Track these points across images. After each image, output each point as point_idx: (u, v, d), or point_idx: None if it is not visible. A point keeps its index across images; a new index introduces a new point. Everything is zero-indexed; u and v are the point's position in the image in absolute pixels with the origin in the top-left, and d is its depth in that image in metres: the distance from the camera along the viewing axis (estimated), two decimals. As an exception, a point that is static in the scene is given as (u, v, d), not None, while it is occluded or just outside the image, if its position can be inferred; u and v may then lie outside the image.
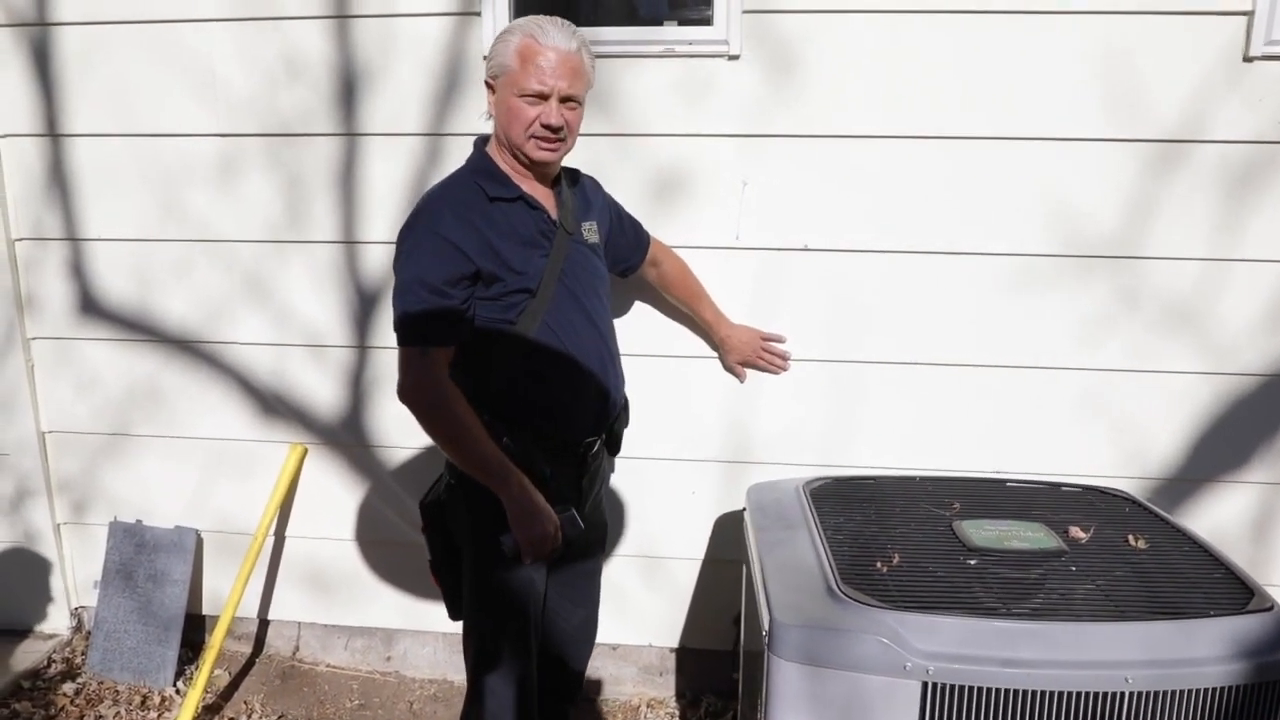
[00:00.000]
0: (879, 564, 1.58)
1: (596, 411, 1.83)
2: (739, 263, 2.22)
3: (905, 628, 1.37)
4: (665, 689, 2.52)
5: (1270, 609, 1.44)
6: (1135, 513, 1.85)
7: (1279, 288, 2.12)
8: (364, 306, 2.38)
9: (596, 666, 2.54)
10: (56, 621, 2.68)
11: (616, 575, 2.46)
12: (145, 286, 2.45)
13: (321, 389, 2.44)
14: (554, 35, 1.65)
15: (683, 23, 2.14)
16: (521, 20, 1.69)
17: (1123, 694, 1.33)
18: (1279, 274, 2.11)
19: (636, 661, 2.53)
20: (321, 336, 2.41)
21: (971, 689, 1.34)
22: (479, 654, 1.83)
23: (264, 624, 2.65)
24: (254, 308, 2.42)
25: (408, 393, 1.69)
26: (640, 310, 2.29)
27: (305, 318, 2.41)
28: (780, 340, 2.26)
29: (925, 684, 1.35)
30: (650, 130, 2.18)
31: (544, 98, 1.65)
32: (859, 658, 1.37)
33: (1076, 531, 1.71)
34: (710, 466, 2.35)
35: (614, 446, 1.96)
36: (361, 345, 2.40)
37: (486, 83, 1.72)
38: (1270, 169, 2.06)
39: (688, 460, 2.34)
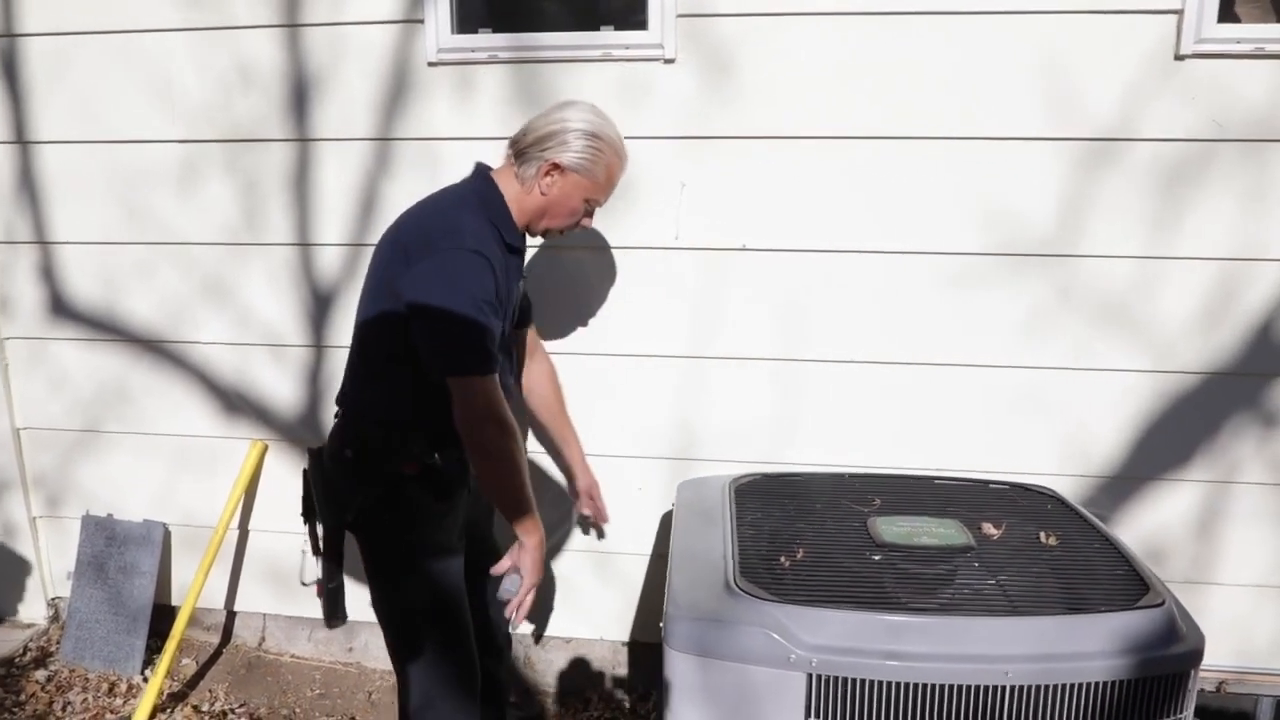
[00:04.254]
0: (783, 559, 1.61)
1: None
2: (678, 262, 2.25)
3: (792, 621, 1.41)
4: (616, 682, 2.56)
5: (1160, 605, 1.45)
6: (1056, 510, 1.87)
7: (1215, 285, 2.12)
8: (319, 307, 2.44)
9: (549, 659, 2.59)
10: (34, 611, 2.77)
11: (568, 570, 2.51)
12: (111, 288, 2.53)
13: (281, 387, 2.51)
14: (625, 157, 1.77)
15: (619, 27, 2.17)
16: (609, 130, 1.72)
17: (1003, 687, 1.36)
18: (1215, 272, 2.12)
19: (589, 655, 2.57)
20: (280, 336, 2.47)
21: (855, 681, 1.38)
22: (430, 655, 1.79)
23: (231, 615, 2.73)
24: (215, 309, 2.49)
25: (482, 425, 1.61)
26: (589, 309, 2.33)
27: (264, 318, 2.47)
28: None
29: (810, 676, 1.38)
30: (590, 133, 2.22)
31: (592, 211, 1.80)
32: (746, 650, 1.41)
33: (989, 528, 1.73)
34: (657, 463, 2.39)
35: None
36: (318, 345, 2.46)
37: (553, 163, 1.69)
38: (1203, 167, 2.07)
39: (635, 457, 2.38)
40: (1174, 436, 2.23)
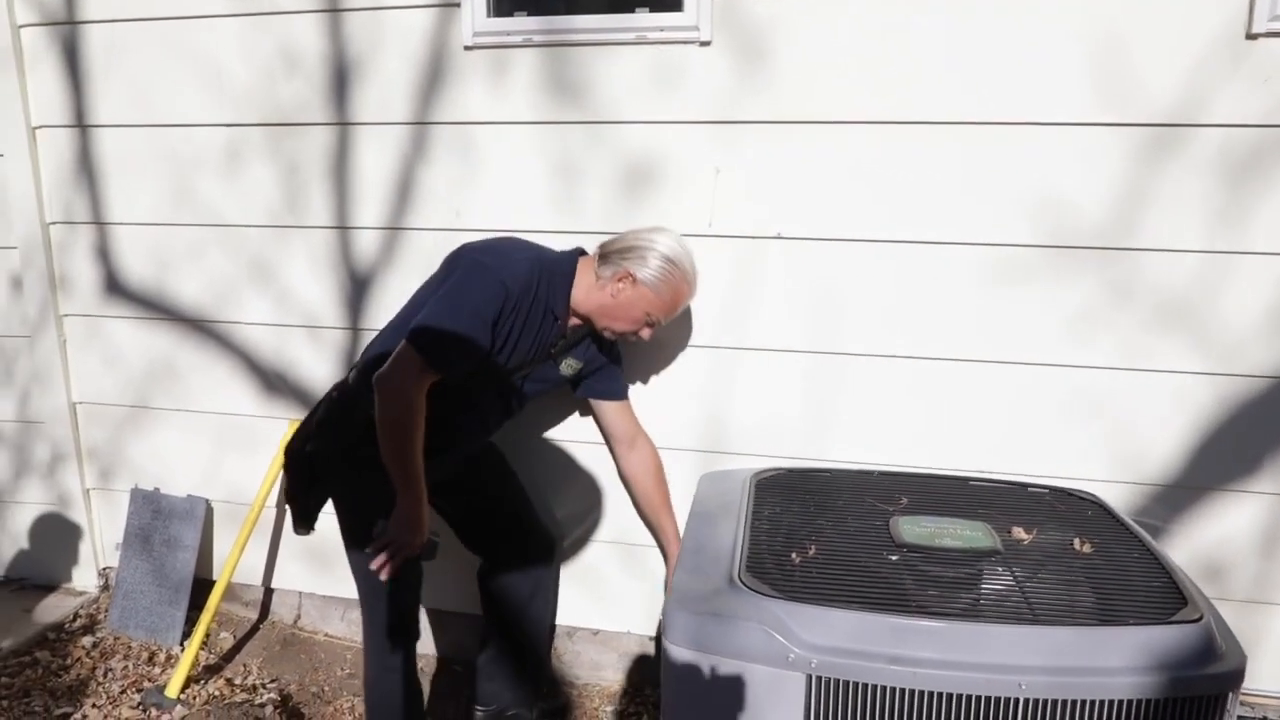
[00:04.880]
0: (794, 555, 1.55)
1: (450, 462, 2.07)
2: (712, 251, 2.20)
3: (793, 618, 1.35)
4: (644, 676, 2.52)
5: (1198, 620, 1.35)
6: (1097, 517, 1.76)
7: (1286, 283, 1.97)
8: (355, 289, 2.46)
9: (577, 651, 2.57)
10: (86, 579, 2.87)
11: (595, 561, 2.48)
12: (163, 268, 2.60)
13: (317, 368, 2.54)
14: (694, 288, 1.99)
15: (654, 9, 2.12)
16: (686, 262, 1.94)
17: (1016, 700, 1.28)
18: (1286, 268, 1.97)
19: (616, 648, 2.54)
20: (318, 318, 2.51)
21: (856, 685, 1.31)
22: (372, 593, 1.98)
23: (269, 592, 2.78)
24: (258, 290, 2.54)
25: (391, 392, 1.78)
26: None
27: (304, 300, 2.51)
28: None
29: (809, 677, 1.32)
30: (622, 117, 2.18)
31: (653, 325, 1.96)
32: (744, 647, 1.35)
33: (1019, 532, 1.64)
34: (685, 455, 2.34)
35: None
36: (354, 327, 2.49)
37: (630, 273, 1.89)
38: (1276, 154, 1.92)
39: (665, 449, 2.33)
40: (1236, 444, 2.08)
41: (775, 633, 1.34)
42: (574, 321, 2.00)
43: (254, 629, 2.74)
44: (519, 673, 2.30)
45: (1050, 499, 1.85)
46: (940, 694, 1.29)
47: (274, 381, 2.59)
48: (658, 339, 2.09)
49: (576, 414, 2.40)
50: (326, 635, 2.73)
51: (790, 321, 2.21)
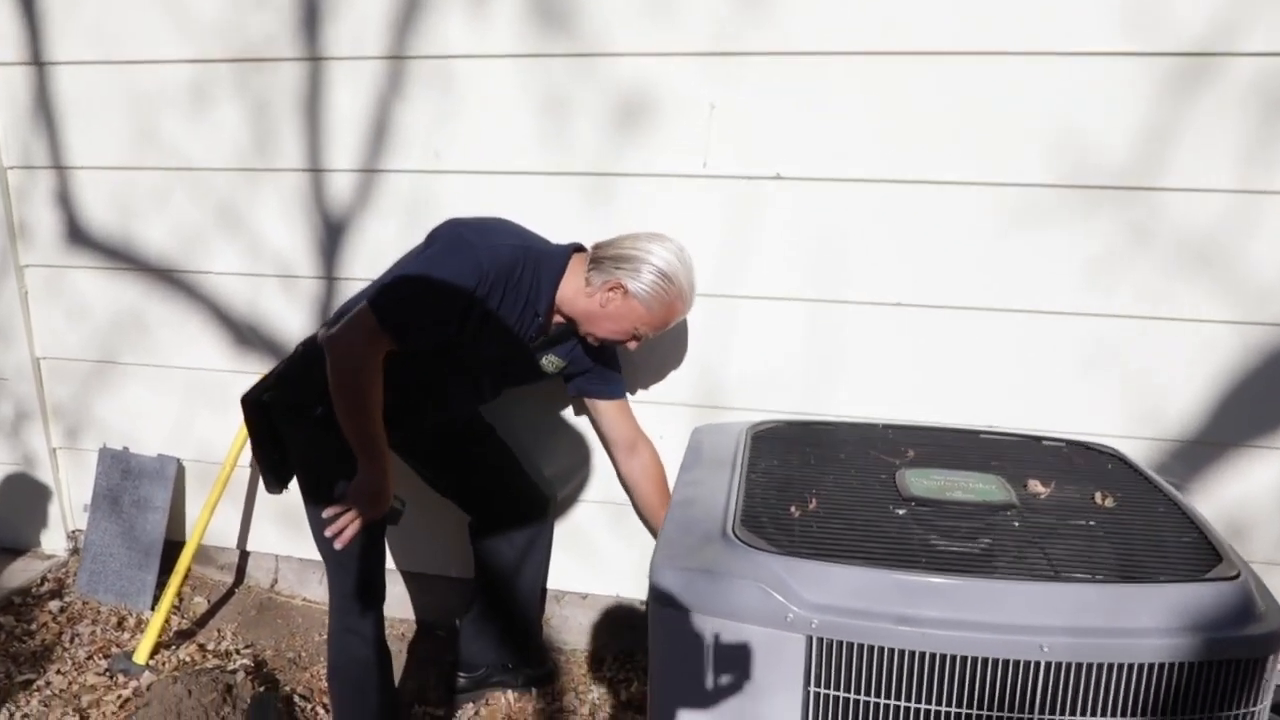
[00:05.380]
0: (793, 508, 1.43)
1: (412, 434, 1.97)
2: (707, 192, 2.06)
3: (792, 575, 1.23)
4: (633, 641, 2.42)
5: (1235, 578, 1.23)
6: (1118, 470, 1.64)
7: (1321, 224, 1.84)
8: (330, 237, 2.32)
9: (564, 615, 2.47)
10: (55, 543, 2.76)
11: (583, 522, 2.37)
12: (127, 215, 2.46)
13: (292, 319, 2.41)
14: (689, 306, 1.85)
15: (645, -72, 1.98)
16: (683, 278, 1.79)
17: (1038, 663, 1.17)
18: (1322, 208, 1.84)
19: (605, 612, 2.44)
20: (291, 267, 2.37)
21: (861, 647, 1.20)
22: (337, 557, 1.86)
23: (244, 555, 2.67)
24: (228, 237, 2.40)
25: (340, 352, 1.67)
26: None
27: (276, 248, 2.37)
28: None
29: (810, 638, 1.21)
30: (611, 49, 2.03)
31: (639, 339, 1.83)
32: (739, 606, 1.24)
33: (1036, 485, 1.52)
34: (680, 410, 2.22)
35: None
36: (329, 276, 2.35)
37: (621, 284, 1.75)
38: (1314, 84, 1.79)
39: (655, 403, 2.22)
40: (1263, 398, 1.96)
41: (773, 590, 1.22)
42: (557, 319, 1.87)
43: (229, 593, 2.64)
44: (506, 634, 2.20)
45: (1067, 452, 1.73)
46: (953, 657, 1.17)
47: (246, 335, 2.46)
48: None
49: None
50: (304, 599, 2.62)
51: (790, 268, 2.08)
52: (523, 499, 2.17)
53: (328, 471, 1.82)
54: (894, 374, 2.09)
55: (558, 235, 1.95)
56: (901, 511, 1.42)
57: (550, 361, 1.96)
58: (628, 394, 2.13)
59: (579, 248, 1.87)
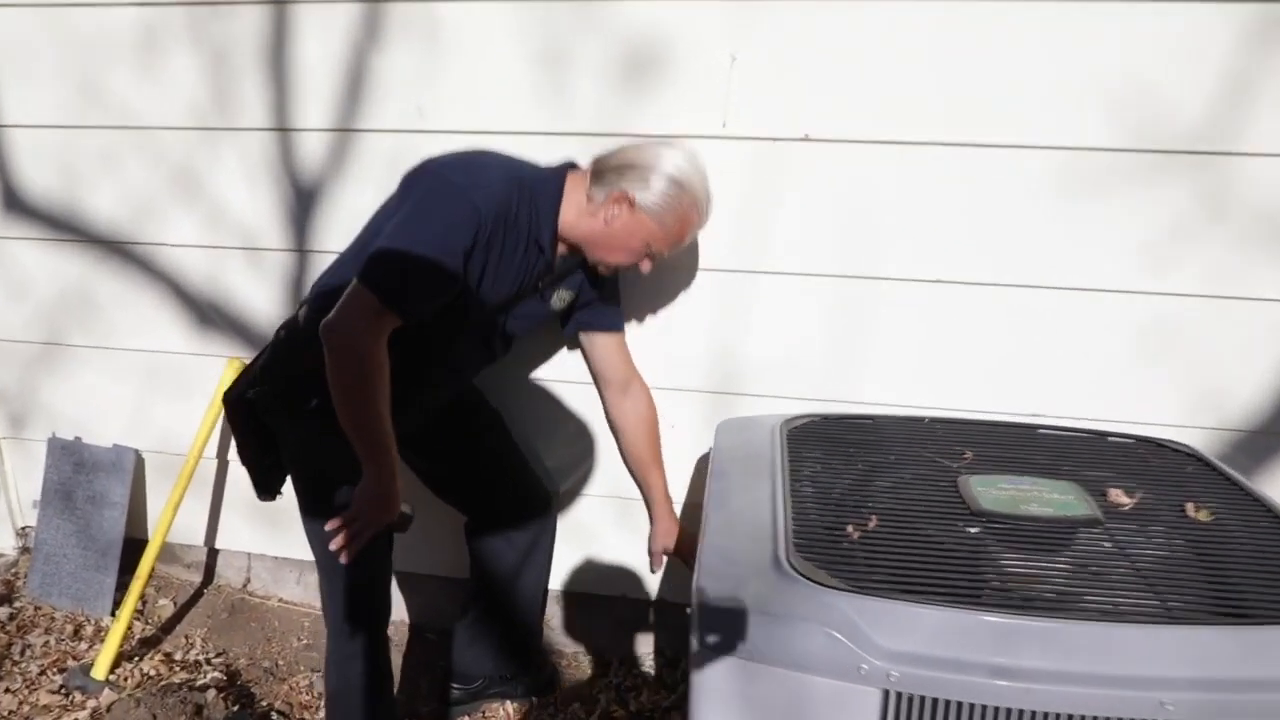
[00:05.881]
0: (851, 528, 1.24)
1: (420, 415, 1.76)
2: (726, 156, 1.84)
3: (864, 618, 1.04)
4: (641, 645, 2.24)
5: (1379, 614, 1.06)
6: (1200, 473, 1.46)
7: None
8: (301, 204, 2.08)
9: (566, 618, 2.28)
10: (2, 541, 2.52)
11: (586, 518, 2.18)
12: (71, 180, 2.19)
13: (259, 296, 2.17)
14: (706, 219, 1.65)
15: None
16: (697, 185, 1.60)
17: (1157, 722, 0.99)
18: None
19: (609, 614, 2.25)
20: (257, 238, 2.13)
21: (950, 704, 1.01)
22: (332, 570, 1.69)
23: (213, 553, 2.46)
24: (185, 205, 2.14)
25: (343, 345, 1.45)
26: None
27: (239, 217, 2.12)
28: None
29: (887, 693, 1.02)
30: (620, -10, 1.80)
31: (654, 258, 1.63)
32: (802, 654, 1.05)
33: (1118, 495, 1.34)
34: (693, 397, 2.02)
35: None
36: (300, 249, 2.11)
37: (626, 196, 1.56)
38: None
39: (667, 389, 2.01)
40: (1338, 384, 1.79)
41: (842, 636, 1.03)
42: (562, 250, 1.66)
43: (197, 594, 2.42)
44: (505, 642, 2.02)
45: (1140, 451, 1.55)
46: (1058, 716, 0.99)
47: (208, 313, 2.22)
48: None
49: (564, 349, 2.06)
50: (281, 601, 2.41)
51: (818, 240, 1.87)
52: (527, 495, 1.97)
53: (328, 476, 1.62)
54: (931, 358, 1.90)
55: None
56: (975, 530, 1.24)
57: (560, 298, 1.75)
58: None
59: (573, 165, 1.67)
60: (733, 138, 1.83)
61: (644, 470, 1.93)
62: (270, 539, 2.35)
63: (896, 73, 1.75)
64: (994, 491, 1.32)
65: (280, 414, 1.66)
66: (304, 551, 2.32)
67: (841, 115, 1.79)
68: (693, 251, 1.91)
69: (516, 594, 1.99)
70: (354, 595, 1.69)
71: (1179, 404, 1.85)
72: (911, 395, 1.92)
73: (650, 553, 1.97)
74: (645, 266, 1.65)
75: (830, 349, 1.94)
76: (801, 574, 1.11)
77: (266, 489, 1.77)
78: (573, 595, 2.25)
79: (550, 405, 2.10)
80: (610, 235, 1.59)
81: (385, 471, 1.51)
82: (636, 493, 2.09)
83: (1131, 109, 1.70)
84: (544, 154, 1.88)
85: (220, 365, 2.21)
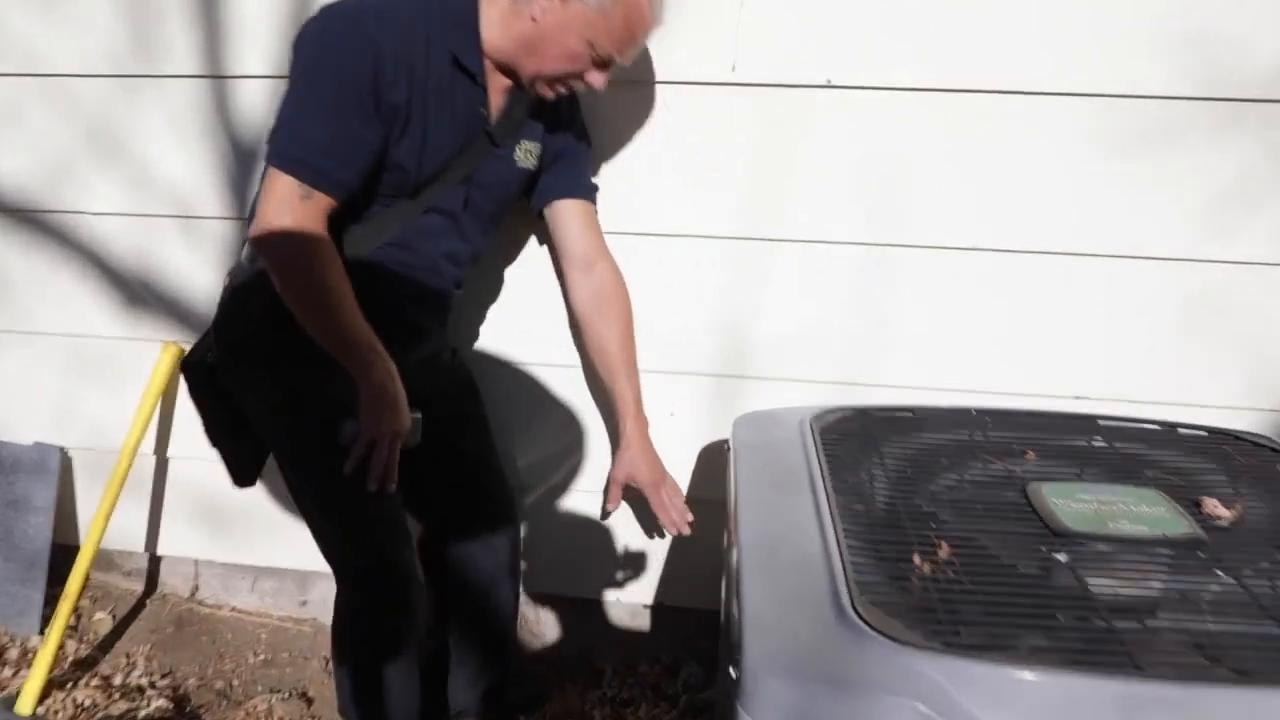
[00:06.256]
0: (917, 558, 1.03)
1: (408, 335, 1.51)
2: (735, 105, 1.60)
3: (960, 685, 0.83)
4: (637, 652, 2.05)
5: None
6: (1292, 472, 1.28)
7: None
8: (241, 165, 1.80)
9: (554, 625, 2.07)
10: (-88, 550, 2.24)
11: (575, 515, 1.96)
12: (-32, 137, 1.89)
13: (197, 271, 1.90)
14: (658, 14, 1.38)
15: None
16: None
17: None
18: None
19: (603, 619, 2.05)
20: (191, 204, 1.85)
21: (1067, 792, 0.82)
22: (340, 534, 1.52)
23: (155, 560, 2.20)
24: (105, 167, 1.85)
25: (274, 241, 1.28)
26: (608, 168, 1.69)
27: (169, 180, 1.84)
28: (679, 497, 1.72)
29: (991, 781, 0.82)
30: (612, -91, 1.53)
31: (605, 64, 1.36)
32: (882, 733, 0.84)
33: (1214, 506, 1.15)
34: (694, 381, 1.80)
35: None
36: (242, 216, 1.84)
37: None
38: None
39: (665, 372, 1.79)
40: None
41: (933, 711, 0.83)
42: (502, 83, 1.41)
43: (139, 605, 2.17)
44: (485, 666, 1.79)
45: (1217, 446, 1.36)
46: (1200, 803, 0.80)
47: (138, 291, 1.94)
48: (667, 229, 1.53)
49: (550, 323, 1.81)
50: (233, 609, 2.17)
51: (840, 202, 1.65)
52: (504, 496, 1.75)
53: (316, 424, 1.42)
54: (961, 334, 1.70)
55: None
56: (1063, 558, 1.03)
57: (525, 152, 1.50)
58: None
59: None
60: (742, 84, 1.59)
61: (610, 375, 1.64)
62: (219, 544, 2.10)
63: (933, 12, 1.52)
64: (1074, 505, 1.12)
65: (246, 368, 1.45)
66: (258, 556, 2.11)
67: (871, 58, 1.56)
68: (698, 213, 1.68)
69: (496, 604, 1.77)
70: (377, 563, 1.51)
71: (1233, 382, 1.67)
72: (940, 376, 1.73)
73: (609, 481, 1.71)
74: (596, 79, 1.37)
75: (850, 325, 1.72)
76: (872, 625, 0.90)
77: (244, 474, 1.56)
78: (560, 599, 2.05)
79: (533, 390, 1.87)
80: (542, 35, 1.33)
81: (381, 371, 1.34)
82: (629, 488, 1.89)
83: (1196, 51, 1.49)
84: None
85: (155, 350, 1.93)
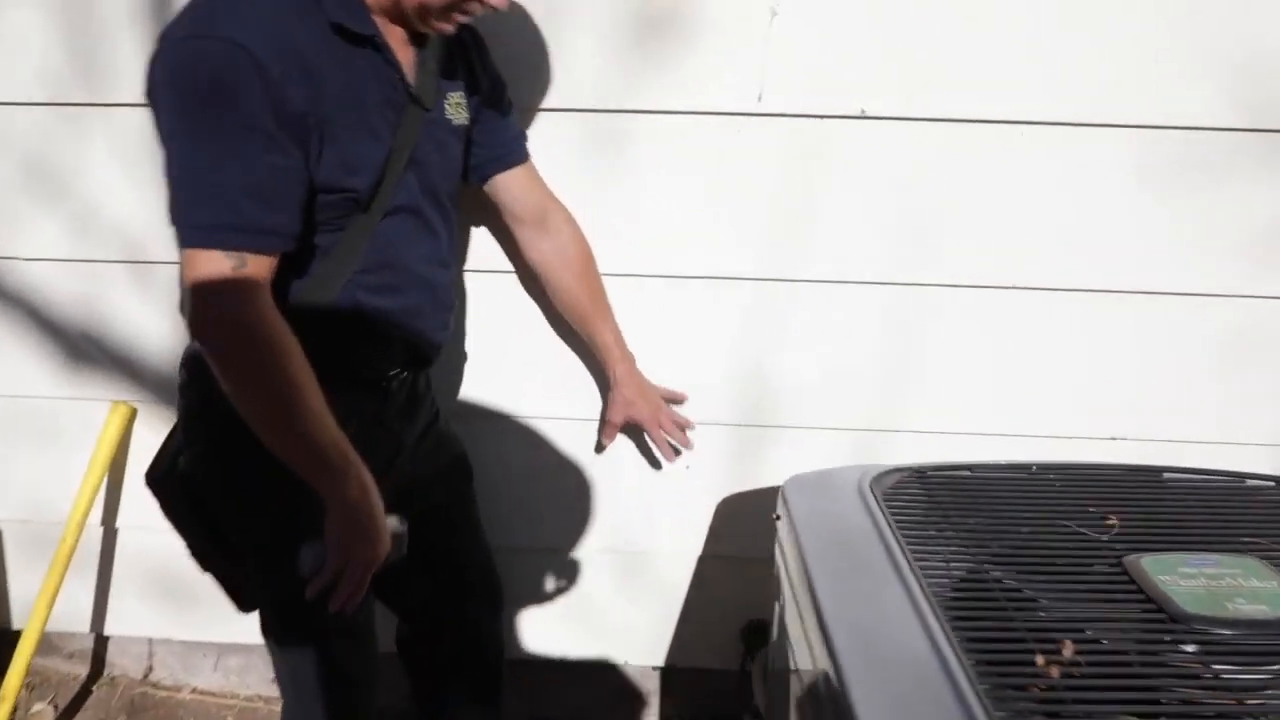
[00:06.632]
0: (1040, 659, 0.92)
1: (407, 355, 1.31)
2: (762, 137, 1.48)
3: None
4: (647, 717, 1.90)
5: None
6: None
7: None
8: (202, 204, 1.61)
9: (557, 689, 1.92)
10: None
11: (583, 576, 1.81)
12: (-122, 174, 1.65)
13: (149, 322, 1.69)
14: None
15: None
16: None
17: None
18: None
19: (609, 684, 1.90)
20: (142, 248, 1.64)
21: None
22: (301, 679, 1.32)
23: (102, 640, 1.97)
24: (43, 206, 1.63)
25: (214, 336, 1.06)
26: (618, 207, 1.55)
27: (117, 220, 1.63)
28: (680, 401, 1.63)
29: None
30: (628, -74, 1.40)
31: None
32: None
33: (1321, 573, 1.06)
34: (712, 431, 1.67)
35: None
36: (204, 261, 1.64)
37: None
38: None
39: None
40: None
41: None
42: (400, 34, 1.18)
43: (84, 692, 1.94)
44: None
45: (1292, 498, 1.29)
46: None
47: (81, 346, 1.72)
48: (682, 270, 1.39)
49: (549, 379, 1.67)
50: (194, 691, 1.96)
51: (869, 239, 1.54)
52: (492, 591, 1.59)
53: (277, 538, 1.22)
54: (996, 375, 1.61)
55: (551, 188, 1.41)
56: (1191, 648, 0.93)
57: (454, 105, 1.28)
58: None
59: None
60: (770, 115, 1.47)
61: (584, 322, 1.53)
62: (176, 619, 1.88)
63: (973, 37, 1.42)
64: (1181, 582, 1.02)
65: (219, 478, 1.25)
66: (219, 633, 1.90)
67: (905, 88, 1.45)
68: (719, 253, 1.56)
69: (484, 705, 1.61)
70: (336, 688, 1.31)
71: (1276, 421, 1.61)
72: (973, 420, 1.64)
73: (603, 422, 1.60)
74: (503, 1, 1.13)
75: (877, 369, 1.62)
76: (1021, 753, 0.78)
77: (250, 600, 1.33)
78: (563, 664, 1.89)
79: (535, 446, 1.72)
80: None
81: (352, 484, 1.11)
82: (636, 547, 1.76)
83: (1253, 81, 1.42)
84: (531, 131, 1.49)
85: (102, 411, 1.72)
